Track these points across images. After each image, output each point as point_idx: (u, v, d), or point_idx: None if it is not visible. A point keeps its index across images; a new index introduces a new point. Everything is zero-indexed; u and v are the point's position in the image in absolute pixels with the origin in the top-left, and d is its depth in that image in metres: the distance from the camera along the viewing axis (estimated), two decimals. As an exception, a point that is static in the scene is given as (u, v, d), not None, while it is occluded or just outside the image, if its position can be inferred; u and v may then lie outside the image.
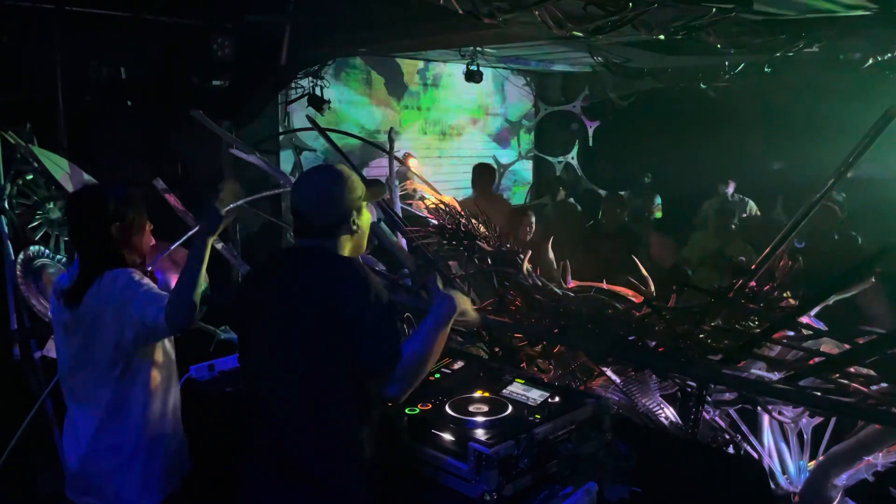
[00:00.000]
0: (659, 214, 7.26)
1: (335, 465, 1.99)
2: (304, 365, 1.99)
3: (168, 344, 2.48)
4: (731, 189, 7.41)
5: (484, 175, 6.80)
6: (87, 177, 3.96)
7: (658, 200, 7.80)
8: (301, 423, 2.01)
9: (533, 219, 5.67)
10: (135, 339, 2.29)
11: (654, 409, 2.72)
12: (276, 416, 2.04)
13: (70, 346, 2.40)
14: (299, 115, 6.82)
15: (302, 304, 2.00)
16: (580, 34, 3.64)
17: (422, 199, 4.66)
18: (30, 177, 3.97)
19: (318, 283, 2.01)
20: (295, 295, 2.03)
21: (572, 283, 3.42)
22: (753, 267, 2.64)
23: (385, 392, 1.99)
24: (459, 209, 3.67)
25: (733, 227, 5.84)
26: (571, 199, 7.85)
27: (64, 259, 3.92)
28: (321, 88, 6.67)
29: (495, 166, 7.89)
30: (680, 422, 2.69)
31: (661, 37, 3.72)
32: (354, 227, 2.14)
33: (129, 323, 2.26)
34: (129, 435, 2.36)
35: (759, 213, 7.37)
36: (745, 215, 7.22)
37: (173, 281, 2.58)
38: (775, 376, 2.42)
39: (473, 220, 3.57)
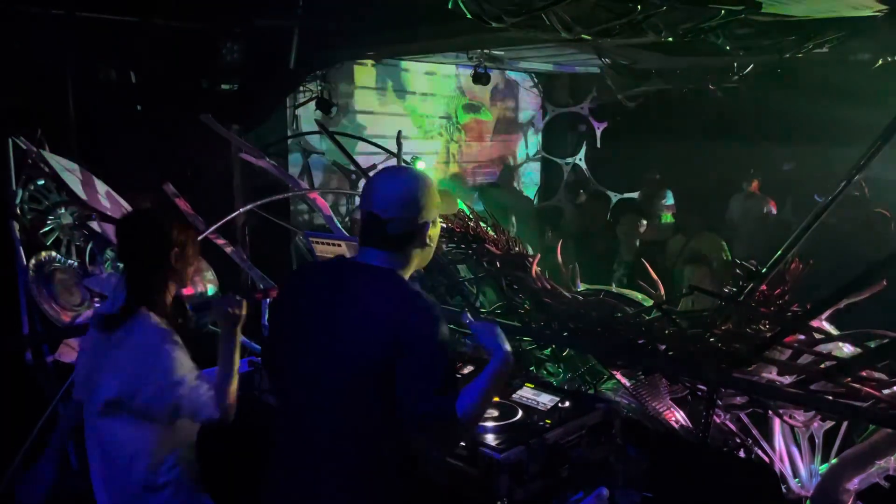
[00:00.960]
0: (668, 217, 7.28)
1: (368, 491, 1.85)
2: (348, 390, 1.83)
3: None
4: (753, 187, 7.44)
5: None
6: (98, 182, 3.98)
7: (669, 198, 7.81)
8: (334, 449, 1.87)
9: None
10: (169, 418, 2.25)
11: (665, 413, 2.71)
12: (309, 440, 1.90)
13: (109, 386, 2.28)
14: (308, 117, 6.85)
15: (361, 329, 1.82)
16: (588, 37, 3.63)
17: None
18: (41, 182, 4.00)
19: (385, 309, 1.82)
20: (356, 317, 1.84)
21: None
22: (764, 270, 2.63)
23: (429, 451, 1.86)
24: (469, 212, 3.68)
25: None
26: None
27: (76, 264, 3.94)
28: (329, 92, 6.69)
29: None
30: (690, 426, 2.68)
31: (670, 39, 3.71)
32: (428, 241, 1.94)
33: (175, 414, 2.21)
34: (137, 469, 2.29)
35: (773, 210, 7.36)
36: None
37: (182, 289, 2.56)
38: (786, 380, 2.41)
39: (482, 224, 3.57)
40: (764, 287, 2.62)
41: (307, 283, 2.04)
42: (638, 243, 5.51)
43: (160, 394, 2.19)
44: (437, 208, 1.95)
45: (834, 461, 2.55)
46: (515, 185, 8.68)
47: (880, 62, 4.97)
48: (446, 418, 1.73)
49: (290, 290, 2.09)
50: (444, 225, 3.63)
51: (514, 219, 6.03)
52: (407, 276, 1.94)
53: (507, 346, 1.83)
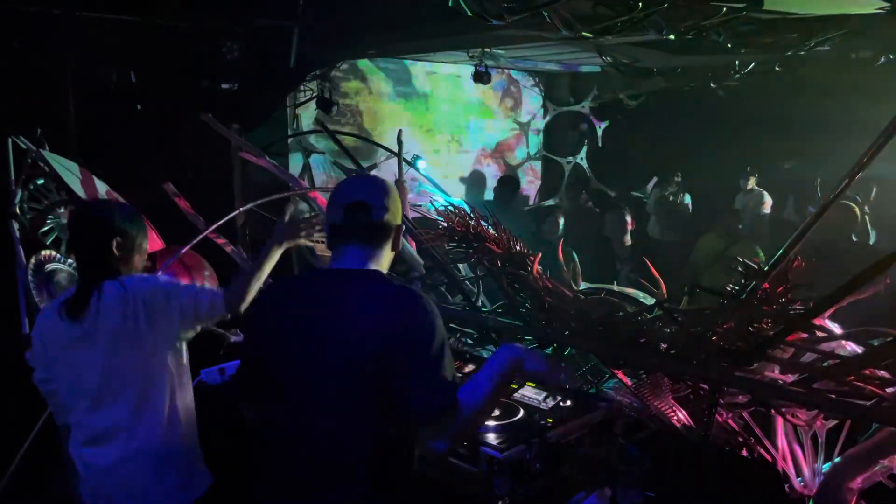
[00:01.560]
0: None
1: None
2: (345, 398, 1.79)
3: (185, 352, 2.47)
4: (751, 184, 7.48)
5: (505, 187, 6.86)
6: (97, 181, 3.97)
7: (687, 199, 7.84)
8: (331, 461, 1.82)
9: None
10: (182, 328, 2.39)
11: (667, 412, 2.69)
12: (302, 451, 1.85)
13: (92, 362, 2.32)
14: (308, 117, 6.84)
15: (352, 334, 1.78)
16: (589, 35, 3.62)
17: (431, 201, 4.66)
18: (41, 181, 3.99)
19: (375, 310, 1.80)
20: (344, 323, 1.81)
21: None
22: (766, 268, 2.61)
23: (434, 446, 1.85)
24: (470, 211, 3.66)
25: (740, 227, 5.84)
26: (590, 204, 7.85)
27: (75, 264, 3.93)
28: (329, 91, 6.69)
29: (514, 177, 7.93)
30: (693, 424, 2.66)
31: (672, 37, 3.70)
32: (397, 242, 1.98)
33: (180, 315, 2.34)
34: (146, 444, 2.34)
35: (769, 207, 7.39)
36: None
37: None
38: (789, 378, 2.40)
39: (483, 222, 3.55)
40: (766, 285, 2.61)
41: (282, 300, 1.97)
42: (628, 239, 5.51)
43: (166, 300, 2.32)
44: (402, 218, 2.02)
45: (837, 460, 2.54)
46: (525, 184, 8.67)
47: (882, 59, 4.96)
48: (454, 408, 1.73)
49: (263, 311, 2.02)
50: (446, 224, 3.61)
51: (561, 220, 6.00)
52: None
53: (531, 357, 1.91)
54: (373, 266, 1.90)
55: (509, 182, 7.10)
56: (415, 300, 1.82)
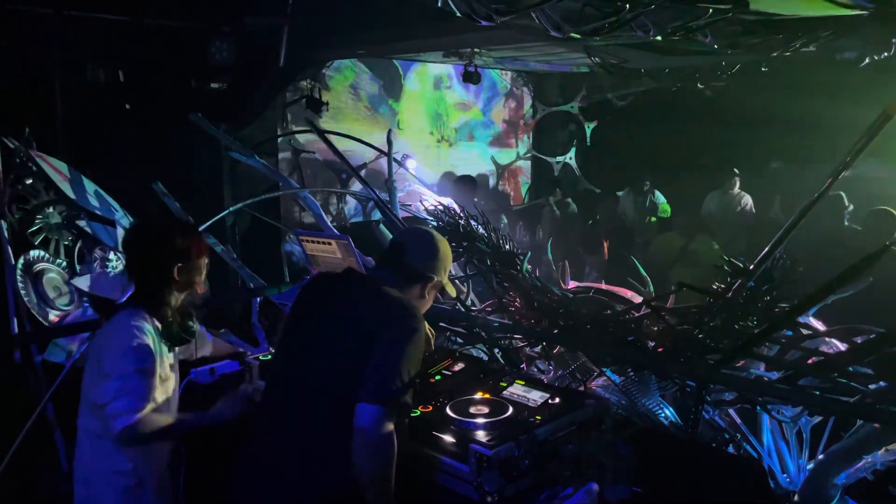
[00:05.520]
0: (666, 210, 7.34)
1: (326, 471, 1.95)
2: (326, 376, 2.00)
3: (170, 368, 2.40)
4: (736, 186, 7.46)
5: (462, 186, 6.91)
6: (86, 181, 3.97)
7: (660, 199, 7.85)
8: (304, 429, 2.00)
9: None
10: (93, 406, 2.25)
11: (654, 410, 2.72)
12: (284, 417, 2.04)
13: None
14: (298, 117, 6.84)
15: (349, 317, 2.04)
16: (577, 36, 3.64)
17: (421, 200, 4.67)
18: (29, 181, 3.98)
19: (374, 304, 2.04)
20: (347, 307, 2.07)
21: (571, 284, 3.43)
22: (752, 267, 2.65)
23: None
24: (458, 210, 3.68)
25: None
26: (569, 199, 7.88)
27: (64, 264, 3.92)
28: (319, 90, 6.68)
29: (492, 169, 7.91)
30: (680, 422, 2.69)
31: (659, 38, 3.72)
32: (426, 293, 2.21)
33: (93, 388, 2.22)
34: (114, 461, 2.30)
35: (753, 208, 7.41)
36: (738, 209, 7.33)
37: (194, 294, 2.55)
38: (774, 375, 2.43)
39: (472, 221, 3.57)
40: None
41: (312, 289, 2.27)
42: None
43: (100, 378, 2.19)
44: (445, 275, 2.25)
45: (821, 456, 2.57)
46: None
47: (867, 60, 5.01)
48: (391, 403, 1.90)
49: (299, 299, 2.28)
50: (436, 223, 3.63)
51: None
52: None
53: None
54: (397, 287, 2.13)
55: (466, 181, 7.14)
56: (408, 308, 2.03)
